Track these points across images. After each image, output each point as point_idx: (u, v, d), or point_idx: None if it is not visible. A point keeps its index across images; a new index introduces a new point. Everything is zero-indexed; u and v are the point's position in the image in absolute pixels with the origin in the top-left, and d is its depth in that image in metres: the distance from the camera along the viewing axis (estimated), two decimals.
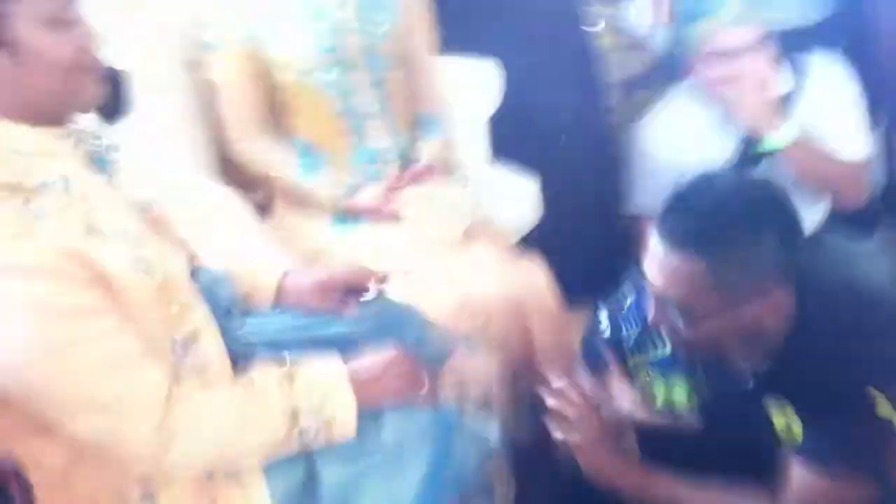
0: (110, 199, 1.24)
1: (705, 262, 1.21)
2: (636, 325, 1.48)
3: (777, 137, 2.01)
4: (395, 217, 1.90)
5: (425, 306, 1.70)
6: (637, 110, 2.52)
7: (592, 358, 1.59)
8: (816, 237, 2.13)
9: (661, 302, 1.28)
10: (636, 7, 2.81)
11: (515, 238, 2.09)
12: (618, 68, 2.63)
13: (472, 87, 2.26)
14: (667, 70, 2.53)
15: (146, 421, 1.17)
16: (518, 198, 2.19)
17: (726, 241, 1.22)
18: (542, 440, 1.86)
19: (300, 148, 1.99)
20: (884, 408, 1.22)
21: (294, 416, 1.25)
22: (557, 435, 1.45)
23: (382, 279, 1.59)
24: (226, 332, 1.39)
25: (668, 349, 1.45)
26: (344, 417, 1.28)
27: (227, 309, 1.43)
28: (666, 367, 1.46)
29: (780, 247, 1.22)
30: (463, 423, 1.42)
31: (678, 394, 1.46)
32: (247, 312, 1.51)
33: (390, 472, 1.32)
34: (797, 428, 1.30)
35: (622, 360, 1.55)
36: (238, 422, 1.24)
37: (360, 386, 1.31)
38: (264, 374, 1.29)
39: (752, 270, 1.22)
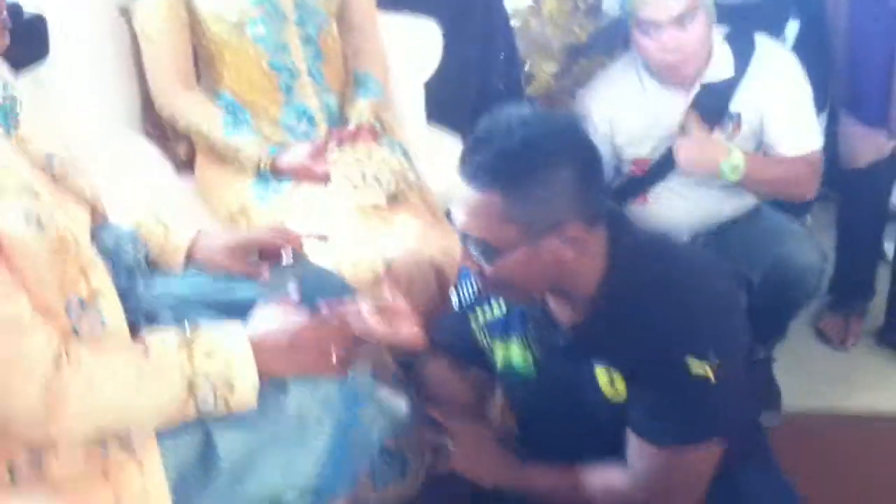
0: (9, 153, 1.18)
1: (499, 195, 1.22)
2: (472, 288, 1.48)
3: (731, 167, 1.99)
4: (321, 178, 1.84)
5: (346, 272, 1.67)
6: (580, 78, 2.51)
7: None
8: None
9: (464, 241, 1.29)
10: None
11: (445, 203, 2.04)
12: (564, 34, 2.59)
13: (412, 47, 2.20)
14: (611, 38, 2.51)
15: (32, 385, 1.11)
16: (451, 162, 2.14)
17: (518, 173, 1.22)
18: None
19: (226, 104, 1.93)
20: (697, 367, 1.25)
21: (192, 384, 1.20)
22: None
23: (301, 242, 1.55)
24: (129, 293, 1.34)
25: (504, 310, 1.47)
26: (244, 388, 1.22)
27: (131, 269, 1.37)
28: (501, 328, 1.48)
29: (576, 181, 1.24)
30: (371, 394, 1.38)
31: (515, 354, 1.46)
32: (154, 273, 1.46)
33: (292, 442, 1.28)
34: (620, 384, 1.33)
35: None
36: (132, 388, 1.18)
37: (265, 356, 1.24)
38: (163, 338, 1.23)
39: (545, 203, 1.23)
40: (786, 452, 2.11)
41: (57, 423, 1.14)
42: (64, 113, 1.70)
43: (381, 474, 1.81)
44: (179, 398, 1.20)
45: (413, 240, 1.78)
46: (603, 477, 1.39)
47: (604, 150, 2.04)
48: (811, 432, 2.20)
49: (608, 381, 1.34)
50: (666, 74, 2.03)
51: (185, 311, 1.37)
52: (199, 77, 1.96)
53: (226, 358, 1.22)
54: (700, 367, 1.24)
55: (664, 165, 2.08)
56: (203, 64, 1.94)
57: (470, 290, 1.49)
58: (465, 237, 1.29)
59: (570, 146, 1.26)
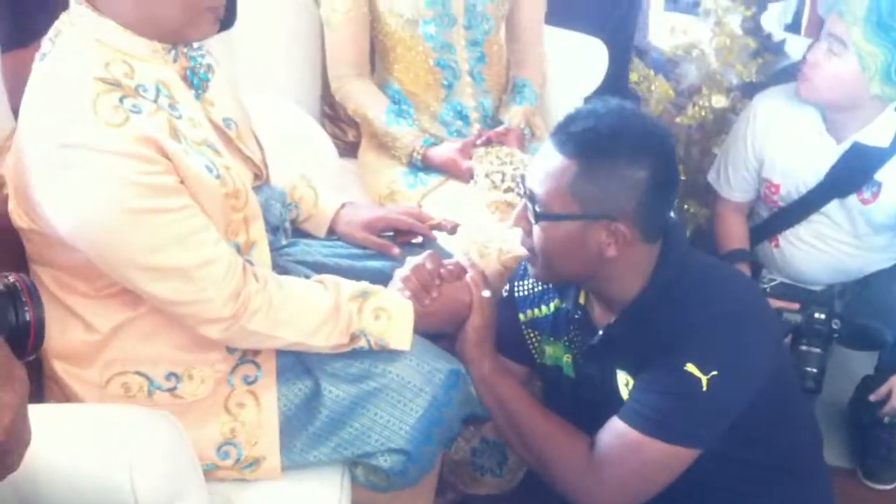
0: (196, 111, 1.36)
1: (576, 164, 1.31)
2: (529, 285, 1.59)
3: None
4: (465, 174, 1.96)
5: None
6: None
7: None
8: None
9: (527, 196, 1.37)
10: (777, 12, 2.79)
11: None
12: (735, 70, 2.61)
13: (577, 63, 2.29)
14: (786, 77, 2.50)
15: (224, 288, 1.29)
16: None
17: (600, 153, 1.31)
18: None
19: (393, 94, 2.08)
20: (694, 372, 1.30)
21: (354, 334, 1.39)
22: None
23: (436, 227, 1.67)
24: (271, 248, 1.50)
25: (551, 309, 1.54)
26: (398, 348, 1.42)
27: (276, 227, 1.53)
28: (550, 327, 1.55)
29: (647, 187, 1.30)
30: (467, 381, 1.48)
31: (561, 354, 1.53)
32: (299, 233, 1.62)
33: (391, 404, 1.41)
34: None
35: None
36: (311, 322, 1.36)
37: (419, 318, 1.44)
38: (338, 283, 1.42)
39: (610, 191, 1.30)
40: None
41: (244, 323, 1.32)
42: (247, 83, 1.88)
43: (481, 460, 1.93)
44: (339, 339, 1.39)
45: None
46: (558, 425, 1.44)
47: (750, 161, 2.15)
48: None
49: (625, 384, 1.41)
50: (829, 118, 2.03)
51: (320, 271, 1.51)
52: (373, 67, 2.12)
53: (389, 322, 1.41)
54: (696, 374, 1.30)
55: (797, 211, 2.09)
56: (377, 55, 2.10)
57: (526, 286, 1.58)
58: (530, 193, 1.37)
59: (656, 155, 1.33)
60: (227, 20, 1.76)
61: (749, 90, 2.56)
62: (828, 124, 2.05)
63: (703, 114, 2.59)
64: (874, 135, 2.00)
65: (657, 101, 2.65)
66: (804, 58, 2.02)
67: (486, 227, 1.87)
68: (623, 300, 1.40)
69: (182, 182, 1.26)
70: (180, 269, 1.27)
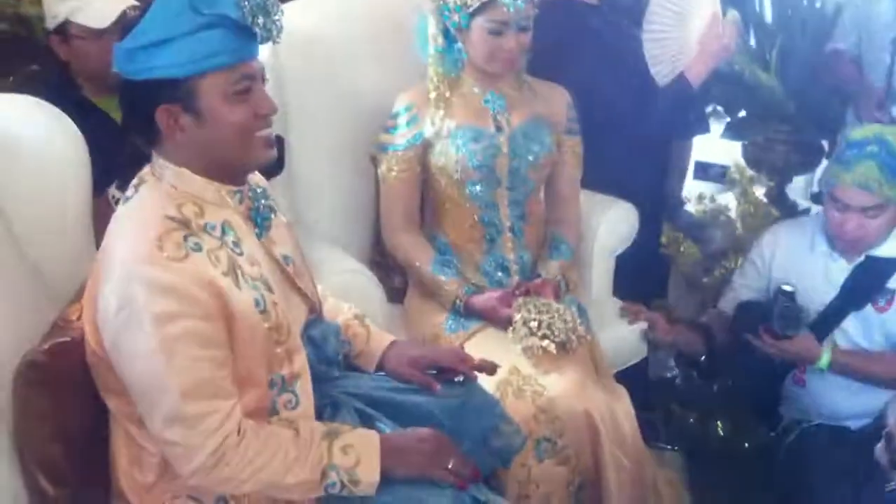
0: (256, 249, 1.54)
1: None
2: None
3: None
4: (504, 320, 2.10)
5: (507, 405, 1.90)
6: None
7: None
8: None
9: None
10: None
11: (612, 365, 2.24)
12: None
13: (608, 223, 2.45)
14: None
15: (213, 443, 1.41)
16: (626, 329, 2.37)
17: None
18: None
19: (440, 245, 2.26)
20: None
21: (325, 471, 1.47)
22: None
23: (477, 367, 1.80)
24: (324, 381, 1.64)
25: None
26: (367, 483, 1.49)
27: (331, 360, 1.68)
28: None
29: None
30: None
31: None
32: (350, 367, 1.76)
33: None
34: None
35: None
36: (279, 464, 1.46)
37: (391, 454, 1.52)
38: (312, 428, 1.52)
39: None
40: None
41: (215, 475, 1.43)
42: (306, 231, 2.07)
43: None
44: (313, 480, 1.47)
45: (574, 389, 1.99)
46: None
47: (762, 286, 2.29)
48: None
49: None
50: (840, 246, 2.19)
51: (365, 404, 1.65)
52: (423, 220, 2.31)
53: (357, 456, 1.50)
54: None
55: (816, 329, 2.19)
56: (427, 209, 2.29)
57: None
58: None
59: None
60: (275, 167, 1.95)
61: None
62: (833, 245, 2.20)
63: (729, 275, 2.74)
64: (887, 248, 2.16)
65: (685, 262, 2.82)
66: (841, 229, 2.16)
67: (521, 371, 2.00)
68: None
69: (229, 316, 1.42)
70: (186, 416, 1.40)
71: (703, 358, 2.50)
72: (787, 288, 2.16)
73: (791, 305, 2.15)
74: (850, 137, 2.15)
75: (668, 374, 2.83)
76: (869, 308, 2.19)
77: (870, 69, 2.80)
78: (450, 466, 1.55)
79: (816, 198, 2.77)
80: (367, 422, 1.62)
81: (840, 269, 2.21)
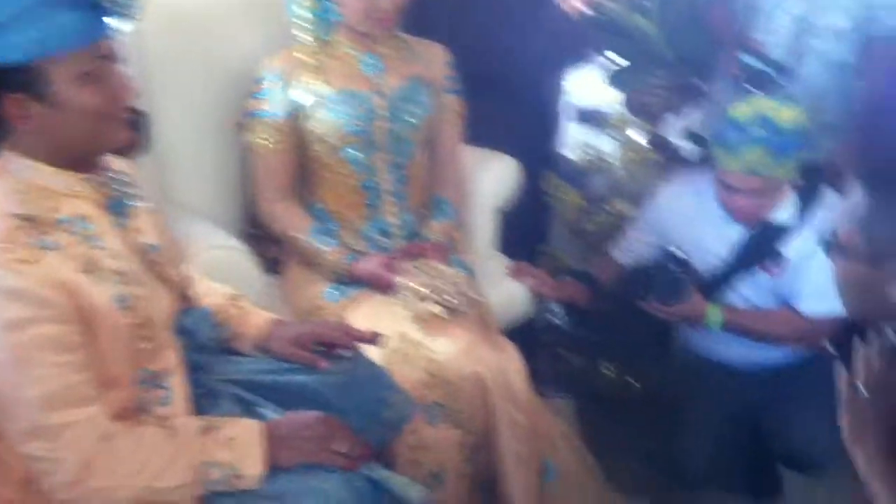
0: (118, 241, 1.45)
1: (874, 199, 1.26)
2: None
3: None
4: (389, 287, 2.07)
5: (397, 372, 1.87)
6: None
7: None
8: None
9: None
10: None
11: (501, 323, 2.24)
12: (641, 181, 2.80)
13: (490, 179, 2.44)
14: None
15: (78, 453, 1.34)
16: (513, 286, 2.36)
17: None
18: None
19: (318, 213, 2.19)
20: None
21: (206, 467, 1.41)
22: None
23: (364, 339, 1.77)
24: (199, 370, 1.58)
25: None
26: (250, 476, 1.43)
27: (205, 346, 1.61)
28: None
29: None
30: (379, 486, 1.55)
31: None
32: (228, 351, 1.70)
33: None
34: None
35: None
36: (156, 466, 1.39)
37: (275, 443, 1.47)
38: (186, 423, 1.46)
39: None
40: None
41: (85, 487, 1.36)
42: (169, 207, 1.98)
43: None
44: (192, 480, 1.41)
45: (464, 350, 1.97)
46: None
47: (651, 249, 2.31)
48: None
49: None
50: (734, 216, 2.21)
51: (246, 390, 1.60)
52: (300, 188, 2.24)
53: (239, 449, 1.44)
54: None
55: (706, 290, 2.23)
56: (304, 177, 2.22)
57: None
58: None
59: None
60: (140, 146, 1.85)
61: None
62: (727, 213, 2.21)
63: (611, 220, 2.77)
64: (782, 215, 2.18)
65: (567, 210, 2.83)
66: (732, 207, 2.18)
67: (410, 337, 1.97)
68: None
69: (89, 317, 1.34)
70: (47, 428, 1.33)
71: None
72: (679, 254, 2.18)
73: (680, 275, 2.18)
74: (731, 116, 2.10)
75: (553, 319, 2.83)
76: (759, 271, 2.22)
77: (743, 15, 2.82)
78: (339, 448, 1.52)
79: (696, 139, 2.78)
80: (249, 409, 1.57)
81: (735, 233, 2.23)
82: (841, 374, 1.41)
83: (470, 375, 1.95)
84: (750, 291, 2.25)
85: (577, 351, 2.77)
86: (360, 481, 1.52)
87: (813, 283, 2.17)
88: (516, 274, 2.38)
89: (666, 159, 2.83)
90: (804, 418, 2.15)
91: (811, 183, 2.19)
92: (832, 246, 1.32)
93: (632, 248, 2.41)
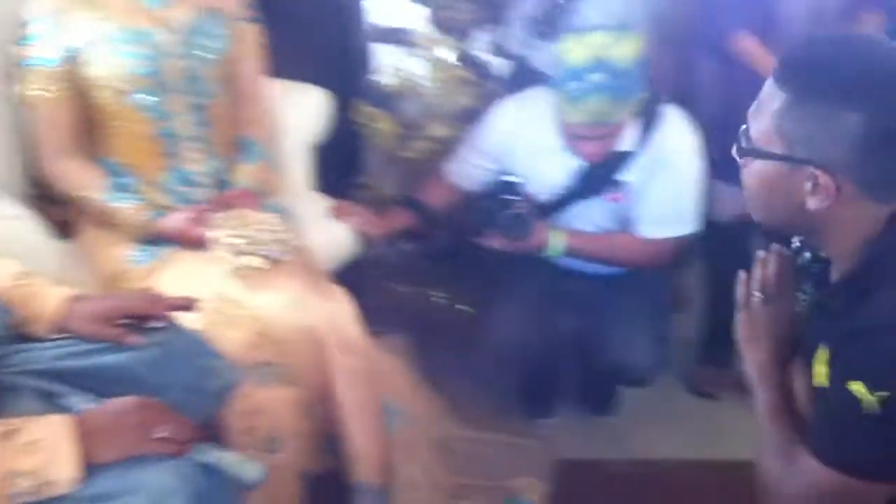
0: None
1: (784, 95, 1.16)
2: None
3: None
4: (201, 243, 1.90)
5: (219, 336, 1.73)
6: None
7: None
8: None
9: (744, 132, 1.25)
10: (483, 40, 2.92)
11: (327, 267, 2.11)
12: (454, 100, 2.71)
13: (300, 114, 2.28)
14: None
15: None
16: (335, 226, 2.23)
17: (809, 85, 1.15)
18: (339, 471, 1.93)
19: (111, 168, 1.98)
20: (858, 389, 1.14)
21: (9, 478, 1.23)
22: None
23: (176, 306, 1.60)
24: None
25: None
26: (64, 478, 1.26)
27: None
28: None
29: (861, 135, 1.11)
30: (212, 467, 1.41)
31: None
32: (22, 338, 1.50)
33: None
34: (825, 373, 1.20)
35: None
36: None
37: (88, 438, 1.29)
38: None
39: (815, 132, 1.14)
40: (650, 498, 2.23)
41: None
42: None
43: None
44: None
45: (289, 304, 1.84)
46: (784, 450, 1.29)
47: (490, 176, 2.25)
48: (676, 479, 2.31)
49: (821, 364, 1.22)
50: (580, 157, 2.15)
51: (54, 377, 1.41)
52: (86, 142, 2.00)
53: (46, 453, 1.26)
54: (860, 392, 1.12)
55: (546, 211, 2.21)
56: (90, 129, 1.99)
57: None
58: (746, 125, 1.24)
59: (878, 97, 1.12)
60: None
61: (468, 117, 2.67)
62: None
63: (429, 145, 2.67)
64: (623, 143, 2.14)
65: (383, 137, 2.71)
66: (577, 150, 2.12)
67: (230, 296, 1.82)
68: (838, 258, 1.23)
69: None
70: None
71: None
72: (518, 184, 2.11)
73: (523, 212, 2.11)
74: (567, 63, 2.01)
75: (378, 251, 2.74)
76: (602, 198, 2.19)
77: None
78: (163, 434, 1.37)
79: (504, 54, 2.72)
80: (54, 403, 1.38)
81: (575, 162, 2.17)
82: (741, 280, 1.39)
83: (300, 328, 1.84)
84: (591, 216, 2.22)
85: (407, 282, 2.69)
86: (190, 467, 1.37)
87: (653, 207, 2.17)
88: (338, 214, 2.25)
89: (478, 77, 2.77)
90: (626, 332, 2.18)
91: (650, 108, 2.16)
92: (746, 146, 1.22)
93: (467, 172, 2.32)
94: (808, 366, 1.25)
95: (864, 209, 1.17)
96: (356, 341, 1.94)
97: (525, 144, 2.20)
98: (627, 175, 2.16)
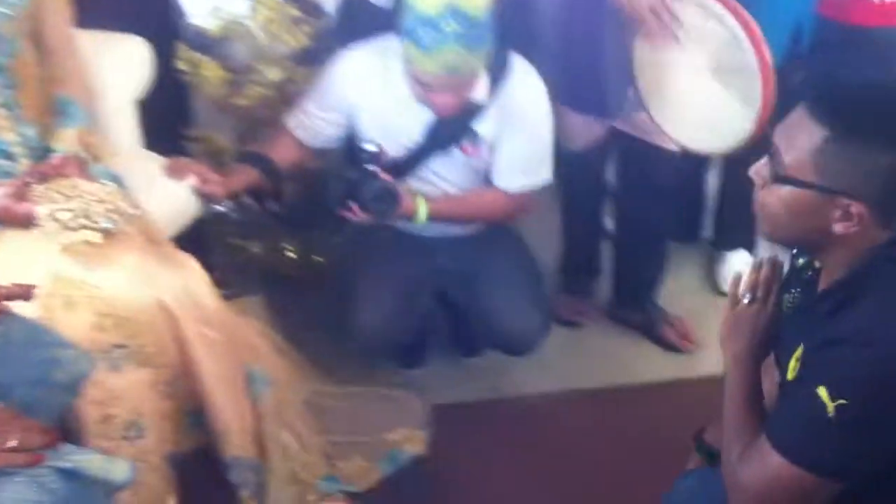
0: None
1: (825, 132, 1.23)
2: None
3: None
4: (24, 220, 1.69)
5: (60, 322, 1.56)
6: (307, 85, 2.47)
7: None
8: None
9: (770, 148, 1.30)
10: None
11: (169, 232, 1.95)
12: (284, 41, 2.55)
13: (118, 67, 2.08)
14: (336, 42, 2.49)
15: None
16: (173, 187, 2.06)
17: (858, 126, 1.23)
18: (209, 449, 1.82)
19: None
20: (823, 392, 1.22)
21: None
22: None
23: (11, 296, 1.42)
24: None
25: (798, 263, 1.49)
26: None
27: None
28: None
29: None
30: (74, 472, 1.27)
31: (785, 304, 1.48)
32: None
33: None
34: (796, 370, 1.32)
35: None
36: None
37: None
38: None
39: (859, 167, 1.23)
40: (527, 434, 2.24)
41: None
42: None
43: None
44: None
45: (133, 280, 1.69)
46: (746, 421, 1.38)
47: (343, 130, 2.15)
48: (550, 412, 2.32)
49: (796, 360, 1.32)
50: (431, 110, 2.06)
51: None
52: None
53: None
54: (823, 397, 1.21)
55: (402, 168, 2.12)
56: None
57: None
58: (775, 149, 1.29)
59: None
60: None
61: (303, 58, 2.52)
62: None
63: (263, 91, 2.51)
64: (474, 93, 2.06)
65: (210, 85, 2.53)
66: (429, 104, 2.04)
67: (66, 276, 1.65)
68: (830, 276, 1.33)
69: None
70: None
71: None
72: (372, 150, 2.03)
73: (388, 185, 2.02)
74: (420, 12, 1.90)
75: (218, 208, 2.56)
76: (456, 151, 2.11)
77: None
78: (13, 444, 1.21)
79: None
80: None
81: (427, 114, 2.08)
82: (732, 280, 1.52)
83: (148, 304, 1.69)
84: (446, 173, 2.15)
85: (257, 238, 2.55)
86: (50, 475, 1.23)
87: (508, 158, 2.13)
88: (175, 172, 2.07)
89: (309, 14, 2.62)
90: (505, 300, 2.17)
91: (500, 59, 2.09)
92: (780, 173, 1.28)
93: (313, 127, 2.18)
94: (785, 361, 1.33)
95: (871, 231, 1.26)
96: (211, 310, 1.82)
97: (373, 97, 2.10)
98: (480, 127, 2.10)
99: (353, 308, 2.15)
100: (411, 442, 2.14)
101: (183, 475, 1.80)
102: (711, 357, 2.50)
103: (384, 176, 2.05)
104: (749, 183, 1.36)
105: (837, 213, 1.25)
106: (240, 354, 1.90)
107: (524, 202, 2.21)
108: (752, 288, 1.49)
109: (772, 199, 1.31)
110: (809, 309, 1.36)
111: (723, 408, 1.42)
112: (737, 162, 2.61)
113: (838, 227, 1.26)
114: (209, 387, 1.80)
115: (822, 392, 1.20)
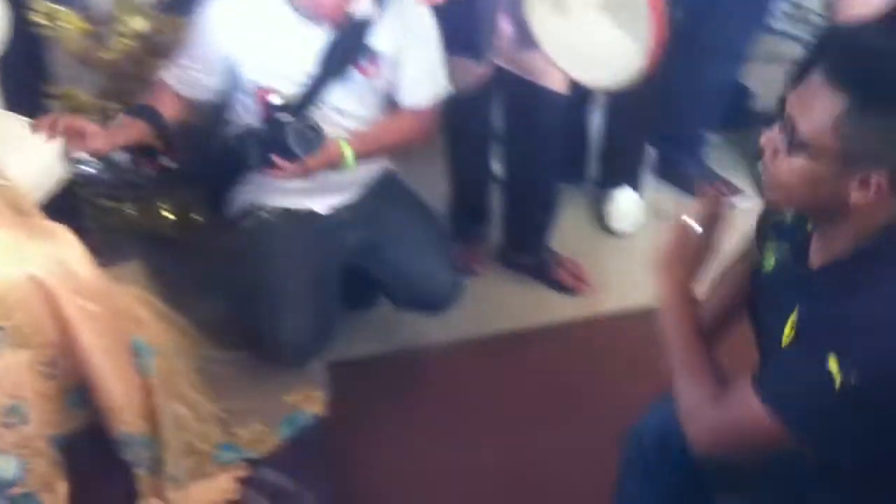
0: None
1: (847, 97, 1.17)
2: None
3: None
4: None
5: None
6: (178, 36, 2.33)
7: None
8: None
9: (783, 117, 1.24)
10: None
11: (37, 199, 1.82)
12: None
13: None
14: None
15: None
16: (39, 148, 1.91)
17: (883, 90, 1.17)
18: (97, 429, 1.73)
19: None
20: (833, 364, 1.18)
21: None
22: None
23: None
24: None
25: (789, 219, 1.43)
26: None
27: None
28: (777, 231, 1.44)
29: None
30: None
31: (768, 259, 1.44)
32: None
33: None
34: (792, 336, 1.30)
35: None
36: None
37: None
38: None
39: (884, 135, 1.17)
40: (425, 386, 2.21)
41: None
42: None
43: None
44: None
45: (2, 254, 1.57)
46: (698, 368, 1.35)
47: (226, 79, 2.04)
48: (447, 363, 2.32)
49: (791, 327, 1.29)
50: (315, 16, 1.96)
51: None
52: None
53: None
54: (835, 368, 1.17)
55: (301, 106, 2.02)
56: None
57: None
58: (789, 118, 1.22)
59: None
60: None
61: (170, 5, 2.38)
62: (301, 11, 1.97)
63: (127, 42, 2.36)
64: (361, 7, 1.99)
65: (72, 38, 2.36)
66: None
67: None
68: (833, 246, 1.27)
69: None
70: None
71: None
72: (276, 102, 1.94)
73: (304, 125, 1.93)
74: None
75: (85, 168, 2.39)
76: (354, 73, 2.01)
77: None
78: None
79: None
80: None
81: (317, 37, 1.98)
82: (679, 206, 1.54)
83: (20, 281, 1.58)
84: (347, 103, 2.05)
85: (131, 199, 2.42)
86: None
87: (413, 71, 2.08)
88: (46, 131, 1.88)
89: None
90: (412, 258, 2.13)
91: None
92: (796, 142, 1.21)
93: (190, 79, 2.05)
94: (773, 319, 1.31)
95: (886, 202, 1.21)
96: (88, 280, 1.72)
97: (254, 37, 1.99)
98: (377, 43, 2.03)
99: (271, 328, 2.04)
100: (310, 403, 2.09)
101: (72, 458, 1.70)
102: (606, 296, 2.54)
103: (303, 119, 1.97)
104: (631, 120, 1.33)
105: (855, 183, 1.20)
106: (122, 325, 1.80)
107: (431, 119, 2.17)
108: (700, 218, 1.45)
109: (785, 168, 1.25)
110: (805, 276, 1.32)
111: (664, 339, 1.40)
112: (619, 100, 2.65)
113: (855, 197, 1.21)
114: (93, 362, 1.71)
115: (833, 364, 1.17)
